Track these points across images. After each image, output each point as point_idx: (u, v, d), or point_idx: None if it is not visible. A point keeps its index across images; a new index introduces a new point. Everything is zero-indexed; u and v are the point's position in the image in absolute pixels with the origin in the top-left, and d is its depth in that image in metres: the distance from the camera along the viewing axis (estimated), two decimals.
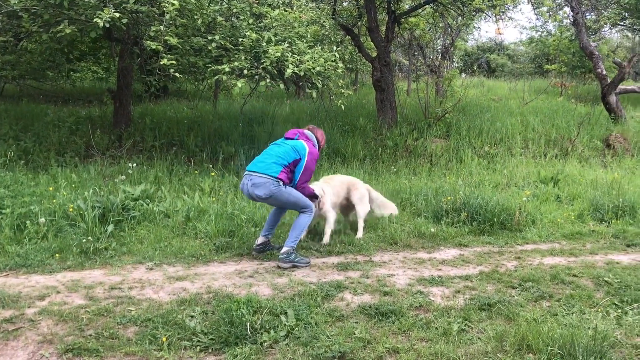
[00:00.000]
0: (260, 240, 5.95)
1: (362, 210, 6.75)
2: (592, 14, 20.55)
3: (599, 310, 4.47)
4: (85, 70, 17.81)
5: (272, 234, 6.07)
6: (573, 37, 19.64)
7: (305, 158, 5.66)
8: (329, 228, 6.41)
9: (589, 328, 3.92)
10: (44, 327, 3.97)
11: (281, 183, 5.54)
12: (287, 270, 5.41)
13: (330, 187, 6.48)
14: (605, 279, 5.31)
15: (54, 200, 6.68)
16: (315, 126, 6.28)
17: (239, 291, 4.77)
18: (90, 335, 3.84)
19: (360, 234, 6.70)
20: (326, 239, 6.39)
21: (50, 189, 7.21)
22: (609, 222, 7.71)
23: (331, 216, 6.40)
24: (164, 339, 3.74)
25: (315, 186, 6.25)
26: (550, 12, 18.69)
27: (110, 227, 6.14)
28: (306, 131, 6.04)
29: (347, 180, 6.92)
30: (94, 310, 4.25)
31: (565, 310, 4.51)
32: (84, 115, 12.19)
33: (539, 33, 26.89)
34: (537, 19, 23.09)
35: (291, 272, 5.37)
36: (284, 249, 5.58)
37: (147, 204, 6.93)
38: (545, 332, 3.79)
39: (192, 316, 4.15)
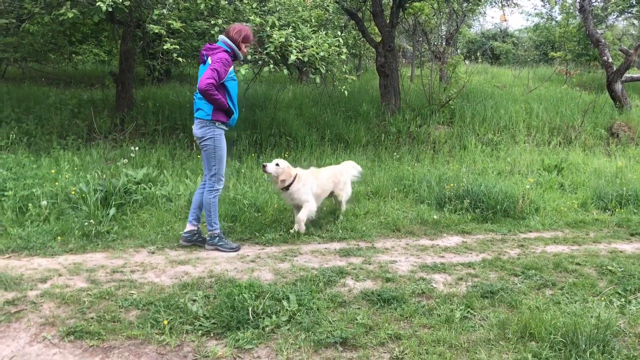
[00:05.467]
0: (187, 227, 5.67)
1: (344, 196, 6.77)
2: (598, 0, 20.34)
3: (602, 299, 4.46)
4: (87, 53, 17.73)
5: (198, 219, 5.74)
6: (581, 27, 19.45)
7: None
8: (304, 215, 6.08)
9: (592, 317, 3.90)
10: (46, 309, 3.97)
11: (214, 123, 5.37)
12: (289, 256, 5.39)
13: (316, 180, 6.27)
14: (609, 267, 5.29)
15: (56, 183, 6.66)
16: (233, 24, 5.75)
17: (241, 276, 4.76)
18: (92, 318, 3.84)
19: (341, 217, 6.71)
20: (301, 226, 6.09)
21: (53, 171, 7.20)
22: (612, 211, 7.67)
23: (311, 206, 6.12)
24: (166, 322, 3.74)
25: (302, 179, 6.12)
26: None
27: (113, 211, 6.13)
28: (217, 42, 5.49)
29: (333, 173, 6.67)
30: (95, 293, 4.25)
31: (568, 298, 4.49)
32: (86, 98, 12.14)
33: (544, 20, 26.66)
34: (543, 5, 22.87)
35: (293, 257, 5.36)
36: (208, 233, 5.58)
37: (150, 188, 6.91)
38: (548, 320, 3.78)
39: (194, 300, 4.15)
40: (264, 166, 5.98)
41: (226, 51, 5.38)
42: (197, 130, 5.45)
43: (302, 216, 6.09)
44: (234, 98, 5.52)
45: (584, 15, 15.36)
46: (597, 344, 3.49)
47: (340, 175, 6.73)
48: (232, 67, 5.47)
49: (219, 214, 6.42)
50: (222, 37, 5.48)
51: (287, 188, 6.04)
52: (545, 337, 3.63)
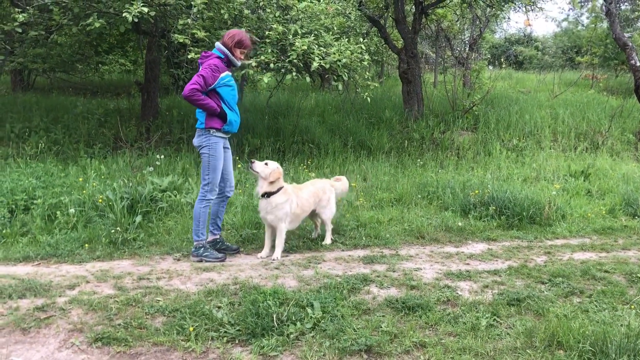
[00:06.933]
0: (209, 237, 5.67)
1: (326, 215, 6.13)
2: (626, 4, 20.03)
3: (632, 307, 4.37)
4: (113, 63, 18.04)
5: (218, 227, 5.76)
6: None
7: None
8: (281, 241, 5.60)
9: (622, 325, 3.82)
10: (74, 316, 4.03)
11: (209, 131, 5.34)
12: (312, 263, 5.39)
13: (296, 197, 5.73)
14: (639, 275, 5.18)
15: (84, 191, 6.78)
16: (230, 30, 5.62)
17: (265, 283, 4.78)
18: (119, 324, 3.88)
19: (328, 239, 6.14)
20: (276, 253, 5.58)
21: (80, 180, 7.32)
22: None
23: (284, 229, 5.62)
24: (191, 329, 3.77)
25: (287, 194, 5.62)
26: (583, 2, 18.25)
27: (139, 218, 6.20)
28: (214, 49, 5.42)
29: (314, 190, 6.03)
30: (122, 300, 4.30)
31: (596, 306, 4.41)
32: (112, 108, 12.35)
33: (572, 25, 26.36)
34: (571, 9, 22.58)
35: (316, 264, 5.36)
36: (194, 243, 5.47)
37: (175, 196, 6.99)
38: (576, 329, 3.71)
39: (219, 307, 4.17)
40: (252, 162, 5.55)
41: (219, 57, 5.31)
42: (195, 139, 5.47)
43: (280, 243, 5.60)
44: (231, 104, 5.42)
45: (611, 18, 15.11)
46: (627, 354, 3.41)
47: (323, 193, 6.10)
48: (228, 73, 5.38)
49: (240, 221, 6.48)
50: (217, 43, 5.40)
51: (268, 195, 5.53)
52: (574, 345, 3.56)
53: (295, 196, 5.73)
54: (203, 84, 5.14)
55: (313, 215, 6.21)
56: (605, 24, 20.98)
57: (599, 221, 7.33)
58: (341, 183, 6.50)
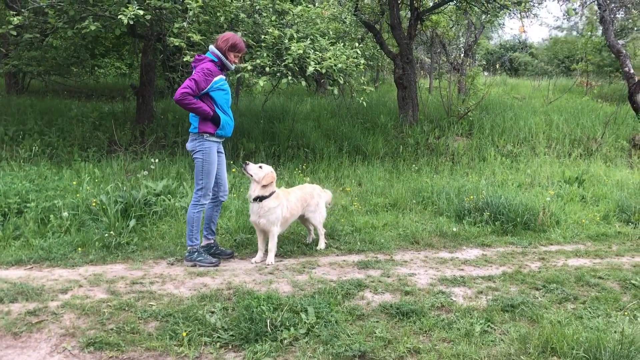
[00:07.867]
0: (203, 241, 5.67)
1: (317, 220, 6.09)
2: (621, 12, 20.14)
3: (626, 313, 4.38)
4: (108, 66, 18.04)
5: (213, 232, 5.74)
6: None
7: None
8: (273, 245, 5.57)
9: (615, 332, 3.83)
10: (66, 320, 4.01)
11: (202, 135, 5.30)
12: (307, 268, 5.38)
13: (286, 202, 5.68)
14: (633, 281, 5.19)
15: (77, 195, 6.74)
16: (224, 33, 5.55)
17: (259, 288, 4.76)
18: (112, 329, 3.86)
19: (322, 244, 6.13)
20: (270, 258, 5.55)
21: (74, 183, 7.28)
22: (635, 224, 7.54)
23: (276, 233, 5.59)
24: (185, 334, 3.75)
25: (280, 198, 5.60)
26: (577, 9, 18.32)
27: (132, 222, 6.17)
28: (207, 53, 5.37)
29: (302, 195, 5.98)
30: (115, 304, 4.27)
31: (590, 313, 4.42)
32: (107, 111, 12.31)
33: (567, 29, 26.50)
34: (564, 16, 22.70)
35: (311, 269, 5.35)
36: (187, 248, 5.44)
37: (169, 200, 6.96)
38: (570, 335, 3.72)
39: (212, 312, 4.16)
40: (246, 164, 5.50)
41: (212, 61, 5.26)
42: (188, 144, 5.43)
43: (273, 247, 5.56)
44: (225, 108, 5.39)
45: (605, 25, 15.23)
46: None
47: (311, 198, 6.05)
48: (222, 76, 5.33)
49: (235, 226, 6.47)
50: (211, 46, 5.34)
51: (261, 199, 5.48)
52: (568, 352, 3.57)
53: (285, 200, 5.70)
54: (195, 87, 5.11)
55: (304, 220, 6.18)
56: (600, 32, 21.10)
57: (593, 227, 7.34)
58: (325, 194, 6.44)
